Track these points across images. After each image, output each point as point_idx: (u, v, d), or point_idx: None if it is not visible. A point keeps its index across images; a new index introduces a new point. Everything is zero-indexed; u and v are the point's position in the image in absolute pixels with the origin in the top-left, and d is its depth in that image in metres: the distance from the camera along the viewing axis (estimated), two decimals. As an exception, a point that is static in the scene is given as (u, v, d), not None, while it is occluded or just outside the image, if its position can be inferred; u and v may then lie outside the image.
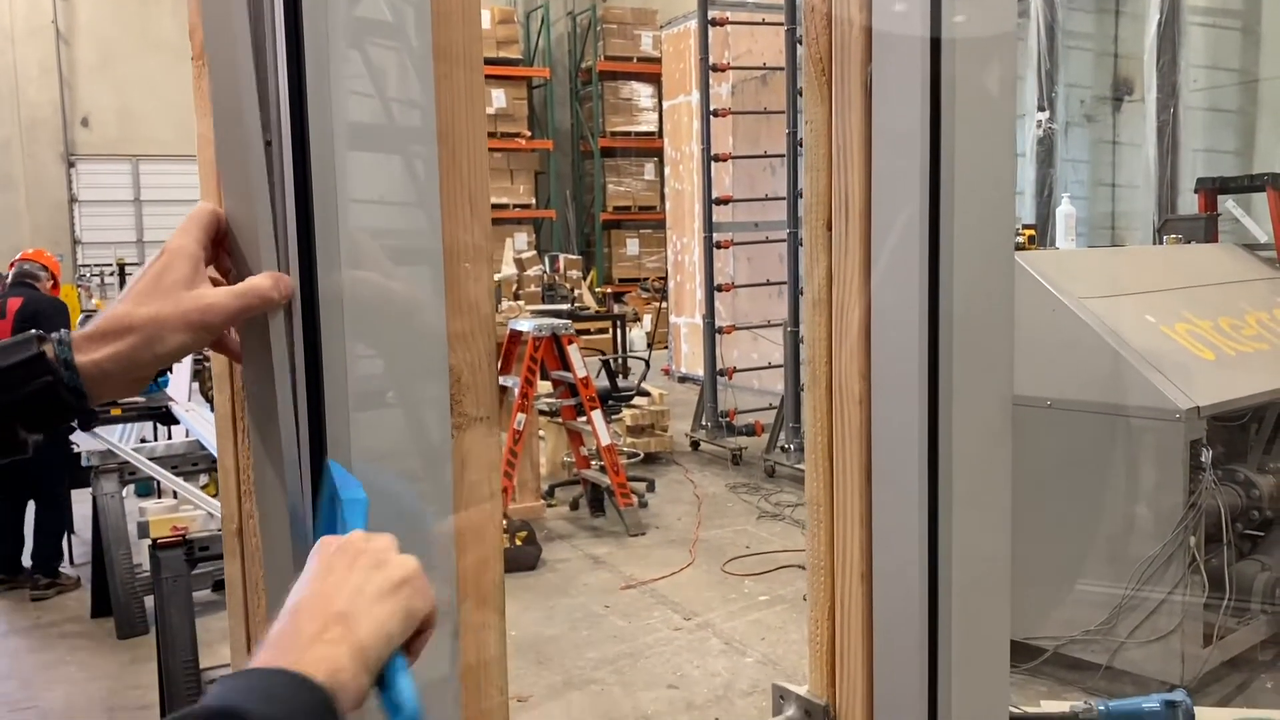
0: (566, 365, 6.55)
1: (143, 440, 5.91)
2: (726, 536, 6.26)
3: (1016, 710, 2.79)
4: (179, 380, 5.95)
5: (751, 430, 8.30)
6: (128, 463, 4.93)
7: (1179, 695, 2.76)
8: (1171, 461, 3.61)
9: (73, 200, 16.22)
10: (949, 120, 1.09)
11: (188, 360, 5.61)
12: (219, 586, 5.09)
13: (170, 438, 5.82)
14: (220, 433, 1.00)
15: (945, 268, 1.12)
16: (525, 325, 6.59)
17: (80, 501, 6.08)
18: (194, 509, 4.40)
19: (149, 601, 4.68)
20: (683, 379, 11.77)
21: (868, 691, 1.20)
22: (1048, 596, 3.89)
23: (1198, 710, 2.73)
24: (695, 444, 8.65)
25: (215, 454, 5.13)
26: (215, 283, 0.86)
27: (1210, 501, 3.68)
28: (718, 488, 7.47)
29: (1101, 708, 2.74)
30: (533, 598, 5.26)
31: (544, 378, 6.97)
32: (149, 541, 3.76)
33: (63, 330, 0.79)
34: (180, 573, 3.64)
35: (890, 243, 1.14)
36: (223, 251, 0.87)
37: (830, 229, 1.19)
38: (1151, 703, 2.74)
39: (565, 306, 8.99)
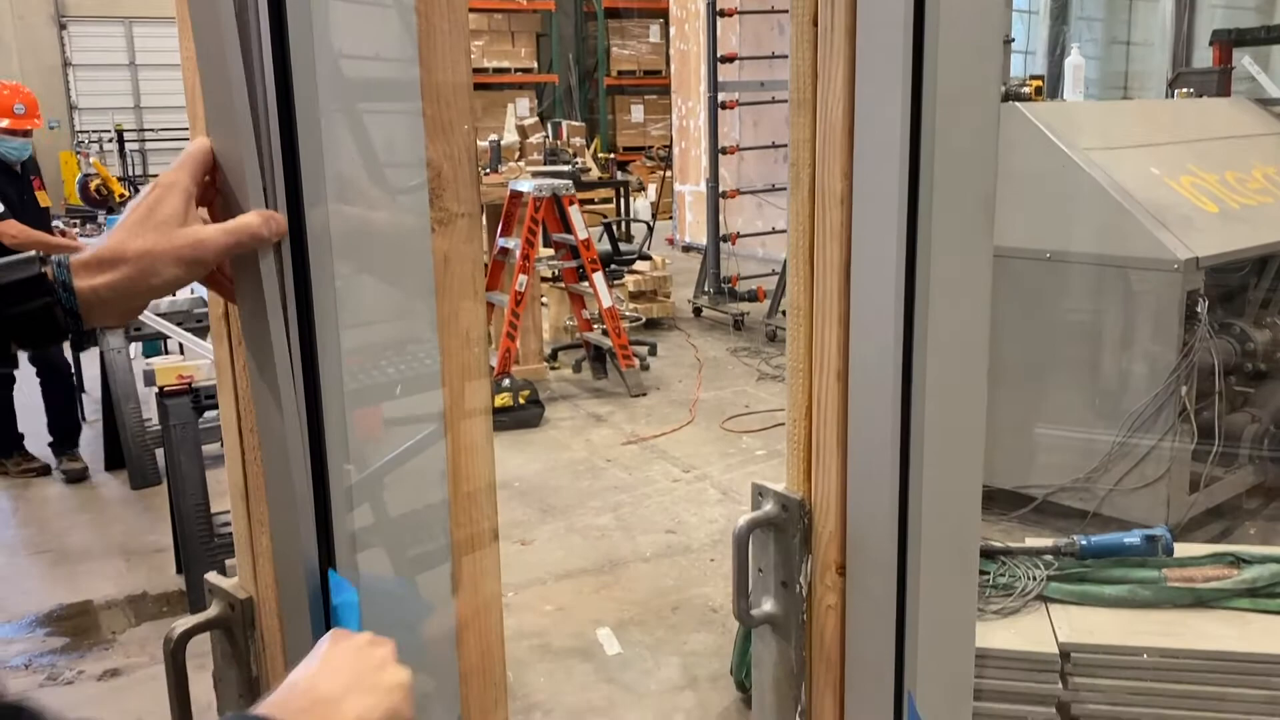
0: (568, 227, 6.51)
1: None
2: (726, 397, 6.35)
3: (1000, 545, 2.88)
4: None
5: (753, 295, 8.31)
6: (132, 318, 4.97)
7: (1159, 530, 2.84)
8: (1168, 312, 3.63)
9: (67, 64, 15.88)
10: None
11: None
12: (228, 441, 5.21)
13: (175, 295, 5.85)
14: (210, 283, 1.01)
15: (930, 61, 1.10)
16: (525, 185, 6.53)
17: (89, 363, 6.17)
18: (199, 359, 4.45)
19: (160, 455, 4.80)
20: (686, 248, 11.72)
21: (841, 485, 1.24)
22: (1039, 446, 3.96)
23: (1176, 545, 2.81)
24: (697, 310, 8.68)
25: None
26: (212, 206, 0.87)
27: (1204, 354, 3.70)
28: (719, 351, 7.53)
29: (1084, 541, 2.83)
30: (536, 452, 5.37)
31: (546, 244, 6.94)
32: (156, 390, 3.82)
33: (62, 255, 0.80)
34: (188, 420, 3.72)
35: (875, 35, 1.13)
36: (214, 189, 0.87)
37: (816, 24, 1.17)
38: (1132, 537, 2.82)
39: (567, 168, 8.87)
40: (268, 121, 0.89)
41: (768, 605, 1.31)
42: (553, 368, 7.12)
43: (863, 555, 1.23)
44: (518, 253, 6.37)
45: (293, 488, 0.91)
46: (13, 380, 5.31)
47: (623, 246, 8.68)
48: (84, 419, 6.07)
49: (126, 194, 8.85)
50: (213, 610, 1.04)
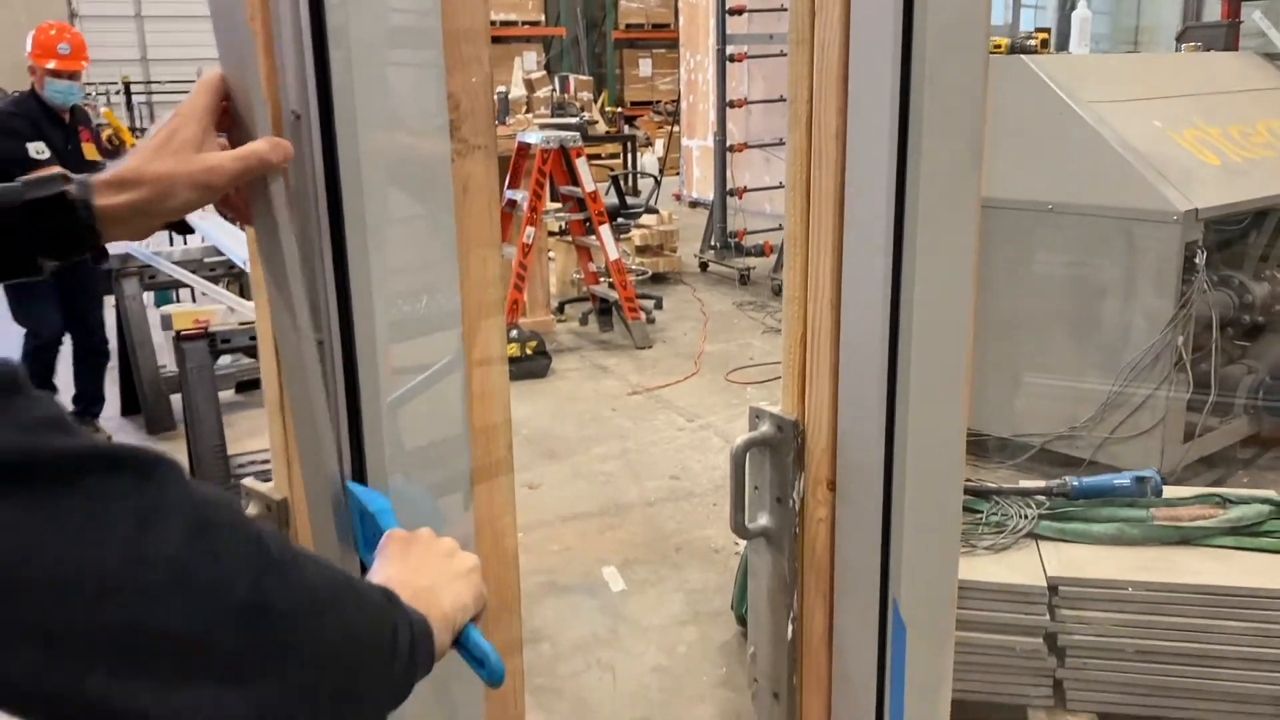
0: (575, 180, 6.55)
1: (155, 254, 6.00)
2: (731, 350, 6.42)
3: (994, 485, 2.97)
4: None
5: (760, 250, 8.35)
6: (148, 266, 5.04)
7: (1148, 472, 2.92)
8: (1167, 263, 3.68)
9: (73, 15, 15.82)
10: None
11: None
12: (241, 387, 5.31)
13: (186, 244, 5.92)
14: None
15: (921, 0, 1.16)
16: (533, 137, 6.56)
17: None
18: (214, 304, 4.54)
19: (175, 401, 4.90)
20: (693, 204, 11.73)
21: (833, 406, 1.32)
22: (1036, 394, 4.03)
23: (1165, 488, 2.89)
24: (704, 265, 8.72)
25: (232, 259, 5.10)
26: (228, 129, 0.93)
27: (1202, 305, 3.76)
28: (724, 305, 7.59)
29: (1075, 482, 2.91)
30: (543, 401, 5.46)
31: (553, 197, 6.97)
32: (173, 334, 3.90)
33: (85, 175, 0.86)
34: (204, 363, 3.81)
35: (869, -24, 1.18)
36: (227, 116, 0.94)
37: (814, -34, 1.23)
38: (1122, 478, 2.90)
39: (574, 120, 8.87)
40: (302, 59, 0.96)
41: (763, 520, 1.39)
42: (560, 320, 7.20)
43: (852, 471, 1.31)
44: (525, 205, 6.42)
45: (310, 398, 0.99)
46: (56, 346, 5.08)
47: (629, 200, 8.71)
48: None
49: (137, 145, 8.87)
50: (250, 512, 1.13)
